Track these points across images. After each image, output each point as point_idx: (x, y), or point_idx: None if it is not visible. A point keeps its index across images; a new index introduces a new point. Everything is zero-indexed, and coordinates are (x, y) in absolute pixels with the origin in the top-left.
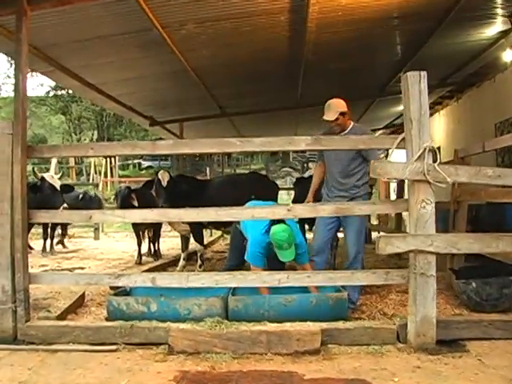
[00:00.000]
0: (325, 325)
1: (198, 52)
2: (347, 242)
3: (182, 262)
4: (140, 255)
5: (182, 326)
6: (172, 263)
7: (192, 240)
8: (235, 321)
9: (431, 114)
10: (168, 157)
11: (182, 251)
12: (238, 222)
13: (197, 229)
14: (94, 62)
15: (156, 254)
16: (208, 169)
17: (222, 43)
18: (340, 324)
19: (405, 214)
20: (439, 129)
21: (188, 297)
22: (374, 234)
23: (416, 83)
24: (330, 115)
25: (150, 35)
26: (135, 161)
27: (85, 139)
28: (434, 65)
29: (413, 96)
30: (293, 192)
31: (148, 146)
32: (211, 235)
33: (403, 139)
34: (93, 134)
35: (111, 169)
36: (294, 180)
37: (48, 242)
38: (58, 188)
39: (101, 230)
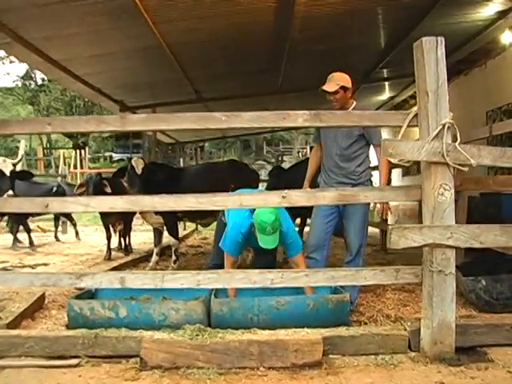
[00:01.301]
0: (326, 332)
1: (174, 24)
2: (348, 235)
3: (154, 258)
4: (109, 250)
5: (156, 334)
6: (144, 259)
7: (166, 233)
8: (219, 328)
9: (413, 105)
10: (140, 149)
11: (155, 246)
12: (224, 214)
13: (171, 221)
14: (57, 33)
15: (127, 249)
16: (182, 160)
17: (201, 14)
18: (343, 330)
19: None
20: None
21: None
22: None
23: (432, 50)
24: (329, 86)
25: (119, 0)
26: (106, 153)
27: None
28: None
29: (428, 65)
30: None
31: (116, 121)
32: (185, 229)
33: (416, 115)
34: None
35: (81, 161)
36: (271, 169)
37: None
38: (8, 173)
39: (68, 224)
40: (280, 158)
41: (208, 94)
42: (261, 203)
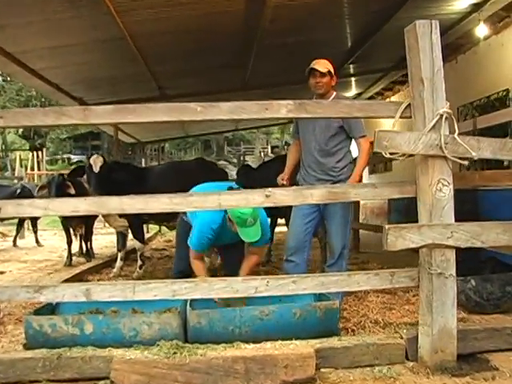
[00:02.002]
0: (316, 343)
1: (139, 13)
2: (330, 236)
3: (119, 263)
4: (70, 256)
5: (128, 353)
6: (107, 264)
7: (130, 236)
8: (198, 342)
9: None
10: (99, 150)
11: (119, 250)
12: (185, 213)
13: (136, 223)
14: (11, 21)
15: (89, 254)
16: (143, 161)
17: (166, 2)
18: (335, 341)
19: None
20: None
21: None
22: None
23: (426, 35)
24: (320, 67)
25: None
26: (64, 155)
27: (9, 132)
28: (394, 44)
29: (423, 50)
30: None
31: (78, 114)
32: (148, 231)
33: (409, 106)
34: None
35: (38, 163)
36: (239, 167)
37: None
38: None
39: (27, 228)
40: (242, 158)
41: (172, 91)
42: (242, 203)
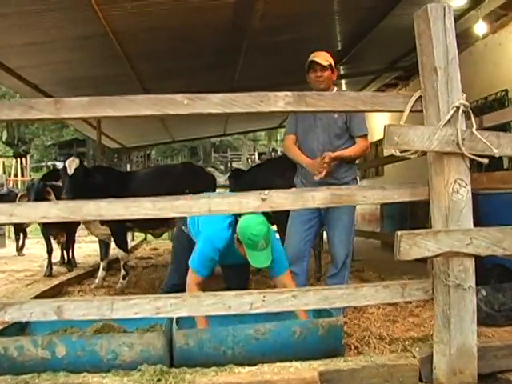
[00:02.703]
0: (319, 365)
1: (122, 7)
2: (333, 244)
3: (101, 273)
4: (50, 265)
5: (106, 380)
6: (89, 274)
7: (113, 245)
8: (185, 366)
9: None
10: (84, 157)
11: (101, 260)
12: (184, 222)
13: (119, 231)
14: None
15: (70, 264)
16: (128, 168)
17: None
18: (341, 362)
19: None
20: (381, 122)
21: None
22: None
23: (439, 19)
24: (321, 59)
25: None
26: (49, 163)
27: None
28: (388, 44)
29: (436, 36)
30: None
31: (49, 107)
32: (133, 239)
33: (420, 98)
34: (1, 133)
35: (22, 170)
36: (230, 172)
37: None
38: None
39: (7, 236)
40: (229, 165)
41: (157, 93)
42: (235, 208)
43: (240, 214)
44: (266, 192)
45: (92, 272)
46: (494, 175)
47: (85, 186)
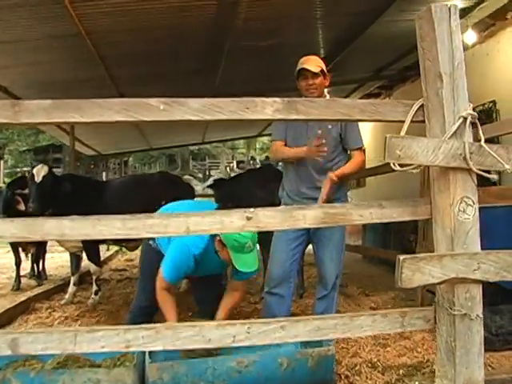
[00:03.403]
0: None
1: (96, 5)
2: (323, 263)
3: (71, 289)
4: (19, 278)
5: None
6: (60, 288)
7: (85, 257)
8: None
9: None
10: (60, 163)
11: (72, 274)
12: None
13: (91, 244)
14: None
15: (40, 276)
16: (104, 175)
17: None
18: None
19: None
20: (364, 131)
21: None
22: None
23: (445, 20)
24: (312, 66)
25: None
26: (24, 168)
27: None
28: (374, 51)
29: (441, 39)
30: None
31: (6, 110)
32: (108, 249)
33: (422, 107)
34: None
35: None
36: (212, 181)
37: None
38: None
39: None
40: (207, 173)
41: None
42: (216, 227)
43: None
44: (252, 210)
45: (63, 286)
46: (490, 190)
47: (53, 195)
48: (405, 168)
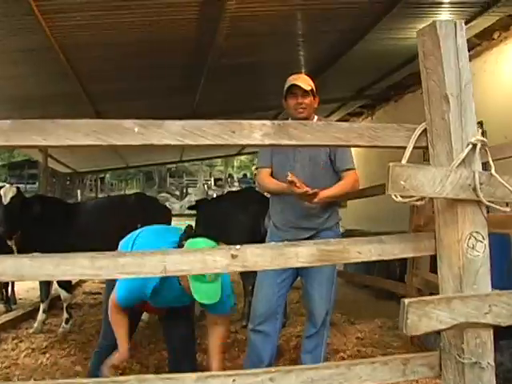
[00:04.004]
0: None
1: (69, 17)
2: (312, 299)
3: (40, 316)
4: None
5: None
6: (29, 315)
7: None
8: None
9: None
10: (36, 179)
11: (42, 301)
12: None
13: None
14: None
15: (9, 302)
16: (79, 192)
17: (105, 6)
18: None
19: None
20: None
21: None
22: None
23: (450, 37)
24: (303, 82)
25: None
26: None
27: None
28: (359, 70)
29: (446, 58)
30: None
31: None
32: None
33: (425, 131)
34: None
35: None
36: (194, 202)
37: None
38: None
39: None
40: (185, 191)
41: (111, 116)
42: (198, 267)
43: (187, 235)
44: (238, 247)
45: (32, 313)
46: (493, 217)
47: (22, 217)
48: (407, 199)
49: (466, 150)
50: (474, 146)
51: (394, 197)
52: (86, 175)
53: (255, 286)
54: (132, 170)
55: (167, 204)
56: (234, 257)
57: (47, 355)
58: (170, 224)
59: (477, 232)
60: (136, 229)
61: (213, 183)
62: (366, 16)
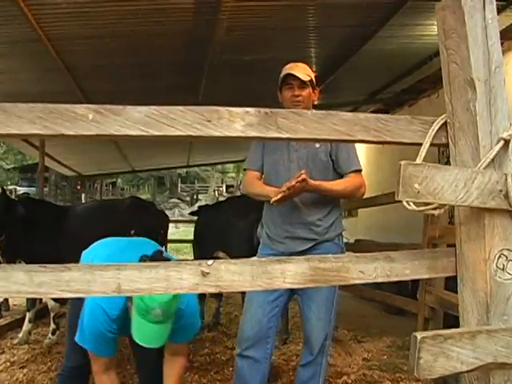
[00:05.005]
0: None
1: (55, 5)
2: (309, 321)
3: (26, 327)
4: None
5: None
6: (17, 323)
7: None
8: None
9: None
10: (47, 183)
11: (28, 310)
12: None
13: None
14: None
15: (0, 308)
16: (83, 196)
17: None
18: None
19: None
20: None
21: None
22: None
23: (478, 11)
24: (300, 72)
25: None
26: (10, 187)
27: None
28: (370, 72)
29: (473, 35)
30: (182, 225)
31: None
32: None
33: (445, 125)
34: None
35: None
36: (196, 208)
37: None
38: None
39: None
40: (195, 197)
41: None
42: (159, 287)
43: (152, 259)
44: (210, 262)
45: (20, 321)
46: None
47: (6, 219)
48: (422, 208)
49: (497, 148)
50: (507, 142)
51: (405, 204)
52: (96, 179)
53: (244, 307)
54: (143, 175)
55: (177, 210)
56: (204, 274)
57: (25, 370)
58: (166, 230)
59: (508, 249)
60: (129, 235)
61: (224, 190)
62: (378, 8)
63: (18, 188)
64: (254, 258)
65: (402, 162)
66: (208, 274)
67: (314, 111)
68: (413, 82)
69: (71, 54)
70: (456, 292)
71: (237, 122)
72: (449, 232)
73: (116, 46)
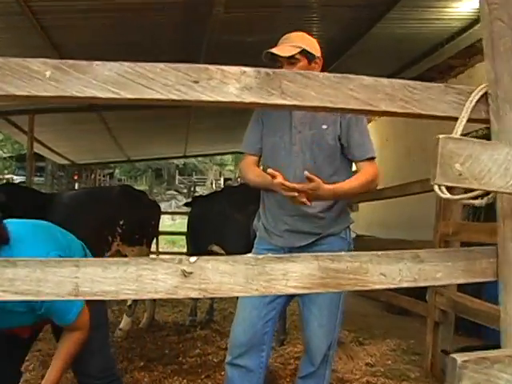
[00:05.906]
0: None
1: None
2: (310, 328)
3: None
4: None
5: None
6: None
7: None
8: None
9: None
10: (43, 172)
11: None
12: None
13: None
14: None
15: None
16: (77, 185)
17: None
18: None
19: None
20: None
21: None
22: None
23: None
24: (282, 49)
25: None
26: (7, 176)
27: None
28: (377, 59)
29: None
30: (178, 217)
31: None
32: None
33: (485, 96)
34: None
35: None
36: (191, 199)
37: None
38: None
39: None
40: (192, 189)
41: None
42: (128, 290)
43: None
44: (193, 259)
45: None
46: (483, 226)
47: None
48: (459, 196)
49: None
50: None
51: (437, 191)
52: (93, 170)
53: (237, 310)
54: (141, 167)
55: (173, 202)
56: (186, 274)
57: None
58: (157, 221)
59: None
60: (118, 225)
61: (222, 182)
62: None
63: (15, 177)
64: (250, 255)
65: (441, 136)
66: (190, 273)
67: (327, 74)
68: (421, 71)
69: (58, 30)
70: (470, 295)
71: (231, 83)
72: (464, 229)
73: (107, 21)
